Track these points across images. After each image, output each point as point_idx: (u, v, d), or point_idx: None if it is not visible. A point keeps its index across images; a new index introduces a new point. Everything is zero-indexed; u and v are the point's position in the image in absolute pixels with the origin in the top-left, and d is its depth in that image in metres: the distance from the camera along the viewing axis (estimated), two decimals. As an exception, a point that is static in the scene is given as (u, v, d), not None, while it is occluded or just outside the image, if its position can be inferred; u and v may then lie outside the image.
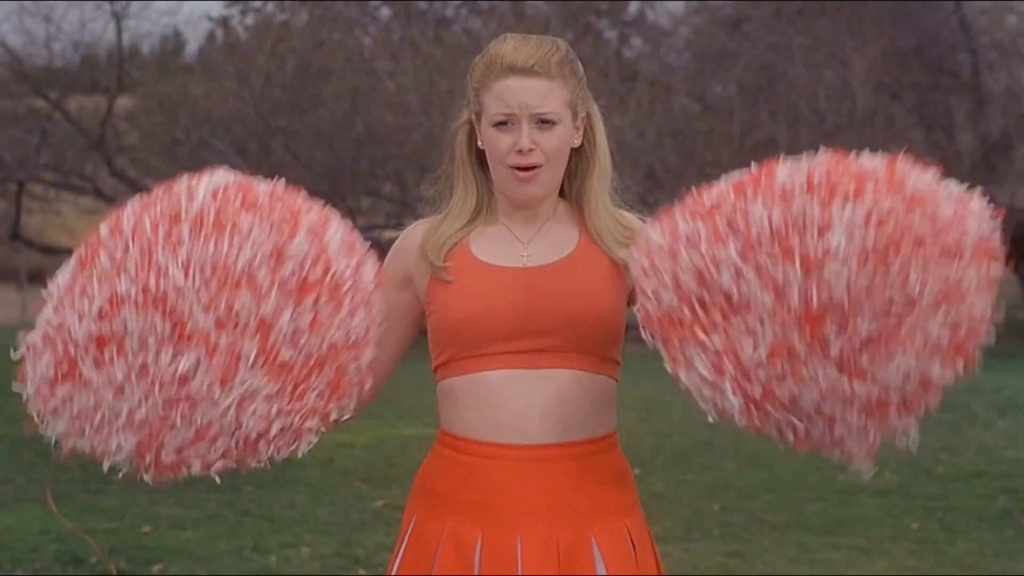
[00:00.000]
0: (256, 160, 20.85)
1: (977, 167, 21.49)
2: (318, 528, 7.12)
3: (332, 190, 22.31)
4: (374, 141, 21.01)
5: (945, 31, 22.82)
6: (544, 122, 2.38)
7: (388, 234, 23.66)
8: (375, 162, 21.33)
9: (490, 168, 2.44)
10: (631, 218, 2.48)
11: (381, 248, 2.33)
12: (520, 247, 2.43)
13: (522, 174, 2.39)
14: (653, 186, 21.49)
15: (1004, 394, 12.18)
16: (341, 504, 7.78)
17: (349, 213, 23.44)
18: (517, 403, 2.35)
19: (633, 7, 28.63)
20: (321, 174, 21.41)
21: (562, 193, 2.49)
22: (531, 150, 2.38)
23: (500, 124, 2.39)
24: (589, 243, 2.43)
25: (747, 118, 21.20)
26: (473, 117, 2.45)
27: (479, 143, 2.45)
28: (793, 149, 2.10)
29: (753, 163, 2.16)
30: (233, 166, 2.27)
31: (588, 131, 2.47)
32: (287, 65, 21.45)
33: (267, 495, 7.97)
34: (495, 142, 2.40)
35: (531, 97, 2.37)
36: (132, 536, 6.77)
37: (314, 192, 2.29)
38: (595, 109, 2.48)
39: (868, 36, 20.97)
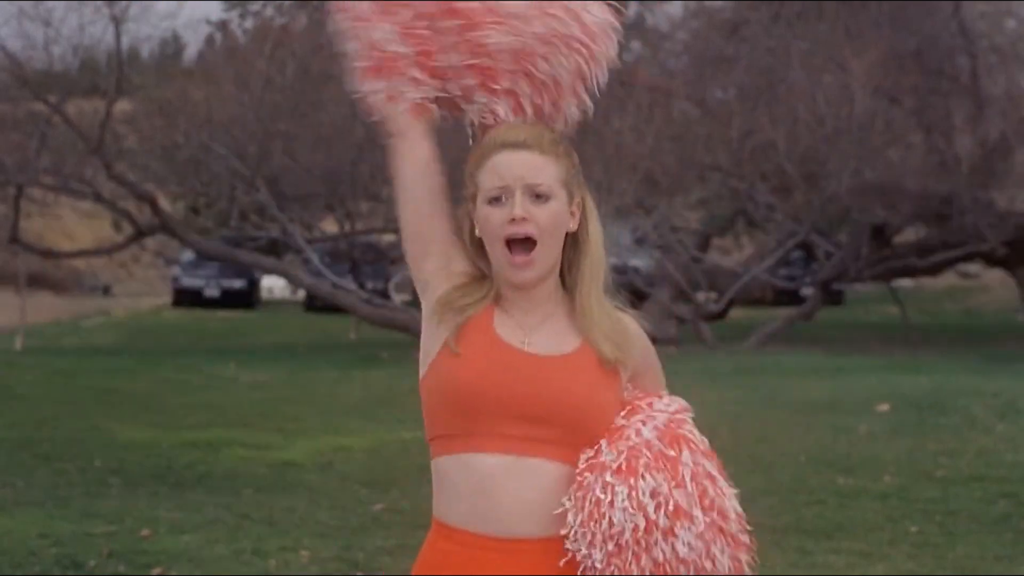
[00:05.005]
0: (255, 164, 20.85)
1: (976, 171, 21.49)
2: (317, 532, 7.12)
3: (331, 194, 22.31)
4: (373, 145, 20.97)
5: (944, 35, 22.80)
6: (538, 196, 2.34)
7: (387, 238, 23.66)
8: (375, 166, 21.30)
9: (487, 251, 2.38)
10: (626, 320, 2.45)
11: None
12: (522, 334, 2.39)
13: (518, 259, 2.34)
14: (651, 190, 21.48)
15: (1004, 397, 12.14)
16: (340, 508, 7.78)
17: (348, 217, 23.48)
18: (508, 496, 2.33)
19: (631, 10, 28.67)
20: (320, 178, 21.39)
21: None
22: (524, 219, 2.33)
23: (494, 200, 2.35)
24: (588, 343, 2.39)
25: (746, 122, 21.18)
26: (470, 204, 2.40)
27: (476, 231, 2.40)
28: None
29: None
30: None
31: (583, 219, 2.42)
32: (286, 69, 21.44)
33: (266, 499, 7.97)
34: (489, 219, 2.35)
35: (525, 169, 2.34)
36: (131, 540, 6.76)
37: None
38: (590, 199, 2.44)
39: (867, 40, 20.96)
